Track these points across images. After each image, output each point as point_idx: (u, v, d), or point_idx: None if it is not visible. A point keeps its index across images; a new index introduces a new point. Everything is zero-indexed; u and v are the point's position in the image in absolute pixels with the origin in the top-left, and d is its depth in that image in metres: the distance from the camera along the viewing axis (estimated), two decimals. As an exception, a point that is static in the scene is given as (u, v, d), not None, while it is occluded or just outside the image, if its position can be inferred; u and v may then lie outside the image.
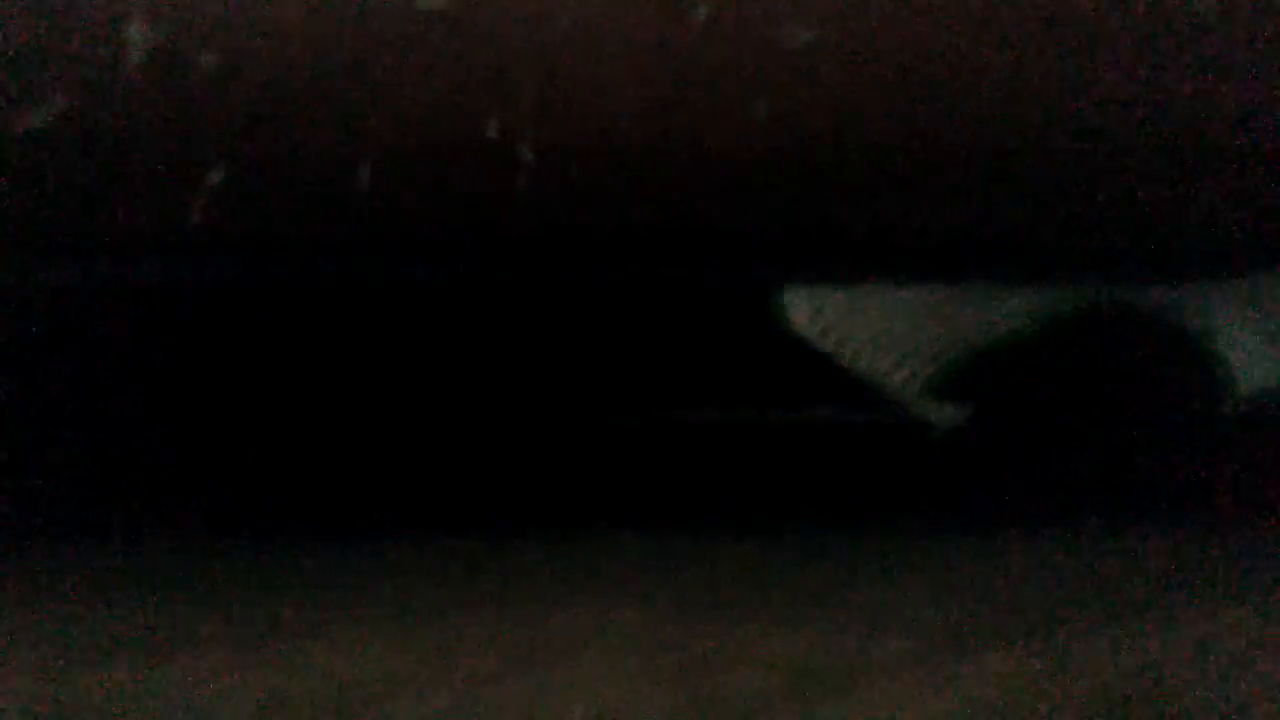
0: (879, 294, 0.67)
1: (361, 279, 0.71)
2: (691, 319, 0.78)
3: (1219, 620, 0.49)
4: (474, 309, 0.78)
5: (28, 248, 0.54)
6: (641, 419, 0.84)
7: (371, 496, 0.72)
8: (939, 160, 0.53)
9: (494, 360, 0.80)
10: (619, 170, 0.51)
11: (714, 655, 0.46)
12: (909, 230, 0.58)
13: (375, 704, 0.42)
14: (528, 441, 0.83)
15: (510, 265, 0.59)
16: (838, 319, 0.68)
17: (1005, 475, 0.77)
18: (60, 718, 0.41)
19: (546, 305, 0.78)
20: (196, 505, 0.68)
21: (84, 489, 0.68)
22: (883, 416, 0.73)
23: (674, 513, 0.67)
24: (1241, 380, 0.66)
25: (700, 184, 0.52)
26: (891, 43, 0.50)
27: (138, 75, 0.49)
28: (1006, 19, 0.51)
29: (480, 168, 0.51)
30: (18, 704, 0.41)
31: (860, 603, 0.52)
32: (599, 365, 0.81)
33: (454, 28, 0.49)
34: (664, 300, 0.77)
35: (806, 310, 0.68)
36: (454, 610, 0.52)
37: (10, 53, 0.48)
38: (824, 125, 0.51)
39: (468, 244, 0.55)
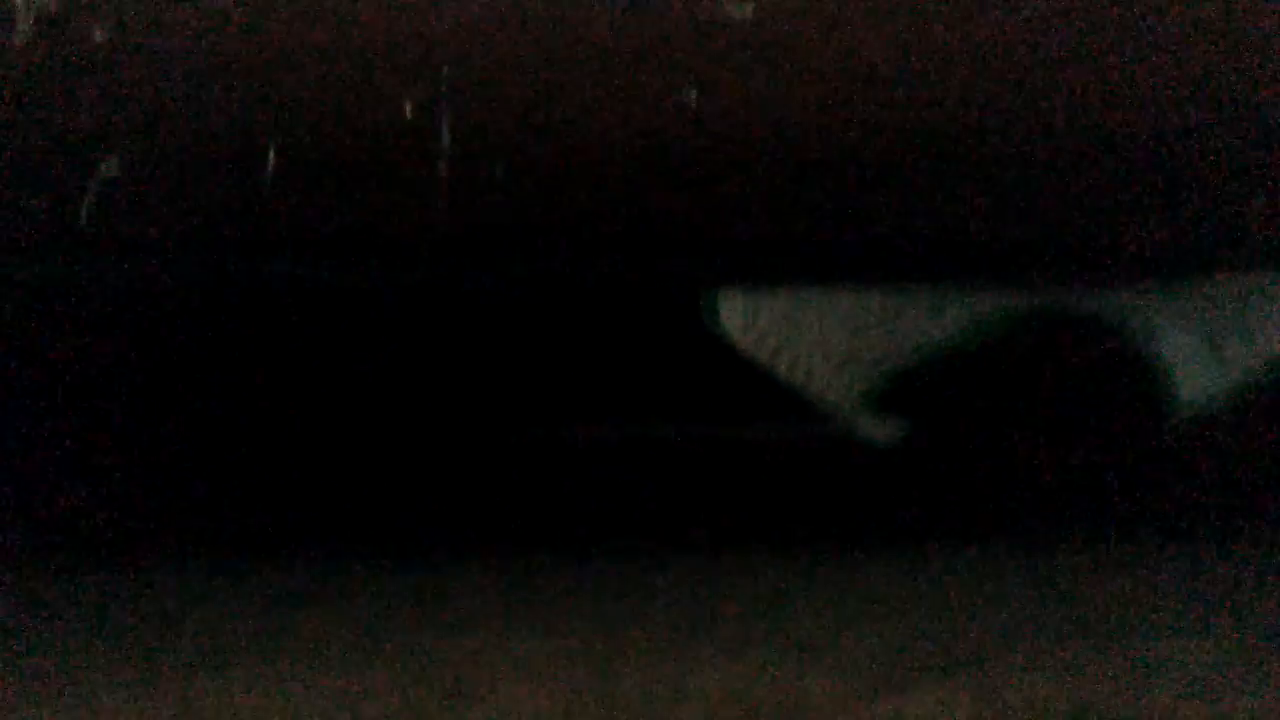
0: (815, 301, 0.65)
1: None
2: (622, 328, 0.75)
3: (1155, 652, 0.48)
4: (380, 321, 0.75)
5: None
6: (565, 435, 0.82)
7: (268, 521, 0.69)
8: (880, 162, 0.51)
9: (416, 378, 0.77)
10: (540, 168, 0.49)
11: (645, 691, 0.44)
12: (846, 234, 0.57)
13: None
14: (441, 457, 0.80)
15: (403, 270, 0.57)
16: (772, 327, 0.66)
17: (940, 497, 0.76)
18: None
19: (457, 314, 0.75)
20: (73, 532, 0.66)
21: None
22: (818, 432, 0.72)
23: (601, 536, 0.66)
24: (1184, 391, 0.65)
25: (629, 182, 0.50)
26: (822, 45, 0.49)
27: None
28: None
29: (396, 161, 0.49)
30: None
31: (795, 634, 0.50)
32: (525, 381, 0.79)
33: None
34: (592, 308, 0.74)
35: (740, 318, 0.66)
36: (361, 643, 0.50)
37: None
38: (760, 123, 0.49)
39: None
